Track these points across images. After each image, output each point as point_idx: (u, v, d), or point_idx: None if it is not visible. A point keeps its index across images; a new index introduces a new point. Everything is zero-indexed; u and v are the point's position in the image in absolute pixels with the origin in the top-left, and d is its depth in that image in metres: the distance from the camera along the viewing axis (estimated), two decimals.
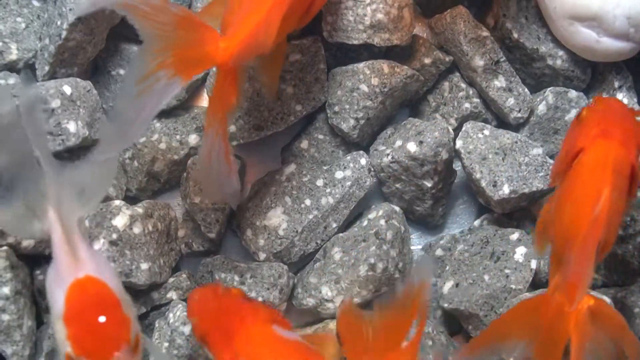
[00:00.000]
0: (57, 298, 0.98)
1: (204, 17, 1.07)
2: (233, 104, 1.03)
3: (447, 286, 1.19)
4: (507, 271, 1.16)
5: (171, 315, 1.12)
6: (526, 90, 1.25)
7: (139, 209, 1.18)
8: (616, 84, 1.21)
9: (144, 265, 1.15)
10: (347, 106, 1.23)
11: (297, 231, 1.22)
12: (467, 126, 1.22)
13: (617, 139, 0.99)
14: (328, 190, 1.23)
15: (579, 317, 0.96)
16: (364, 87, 1.22)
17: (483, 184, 1.19)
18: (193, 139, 1.25)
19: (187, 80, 1.00)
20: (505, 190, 1.18)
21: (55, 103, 1.16)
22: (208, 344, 1.01)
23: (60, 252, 1.00)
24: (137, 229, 1.16)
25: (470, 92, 1.27)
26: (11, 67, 1.22)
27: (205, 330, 1.01)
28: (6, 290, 1.12)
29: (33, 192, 1.04)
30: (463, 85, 1.27)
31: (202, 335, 1.02)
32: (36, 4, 1.27)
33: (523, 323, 1.01)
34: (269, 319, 1.00)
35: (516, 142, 1.21)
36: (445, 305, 1.19)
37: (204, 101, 1.31)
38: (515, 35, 1.24)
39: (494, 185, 1.18)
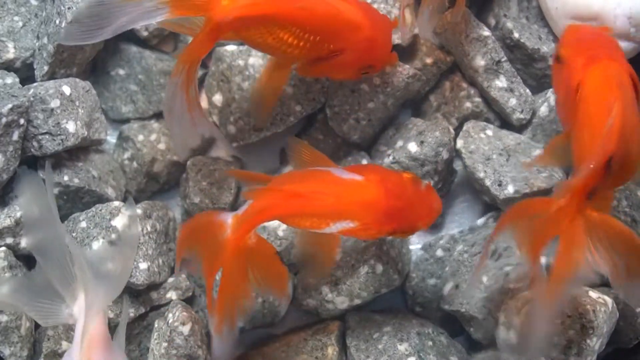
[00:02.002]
0: None
1: None
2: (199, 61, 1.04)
3: (447, 288, 1.19)
4: (507, 269, 1.16)
5: (170, 315, 1.12)
6: (527, 90, 1.25)
7: (137, 210, 1.18)
8: None
9: (143, 265, 1.15)
10: (348, 107, 1.22)
11: (296, 232, 1.21)
12: (468, 125, 1.22)
13: (605, 57, 1.00)
14: None
15: (575, 220, 0.96)
16: (365, 87, 1.21)
17: (487, 183, 1.18)
18: None
19: (172, 16, 1.00)
20: (510, 189, 1.17)
21: (55, 103, 1.16)
22: None
23: (78, 343, 1.00)
24: None
25: (472, 91, 1.27)
26: (8, 66, 1.22)
27: None
28: (4, 290, 1.11)
29: (62, 278, 1.04)
30: (464, 84, 1.27)
31: None
32: (34, 2, 1.26)
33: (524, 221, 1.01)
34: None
35: (519, 144, 1.21)
36: (446, 307, 1.19)
37: (203, 102, 1.30)
38: (516, 35, 1.24)
39: (499, 185, 1.18)
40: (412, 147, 1.19)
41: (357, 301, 1.19)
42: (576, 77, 1.01)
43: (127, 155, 1.25)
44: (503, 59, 1.24)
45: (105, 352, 1.00)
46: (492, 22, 1.27)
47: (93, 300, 1.01)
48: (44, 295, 1.04)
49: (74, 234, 1.14)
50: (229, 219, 1.01)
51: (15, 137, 1.13)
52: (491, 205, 1.23)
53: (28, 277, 1.09)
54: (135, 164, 1.24)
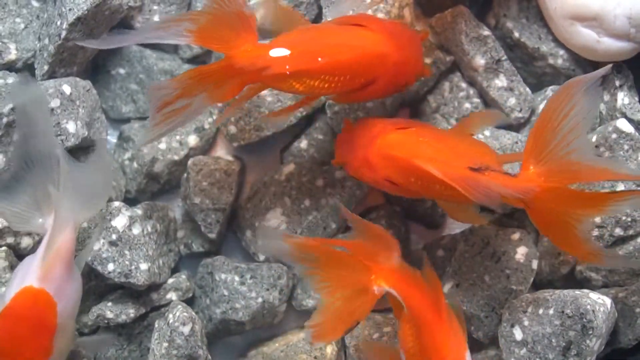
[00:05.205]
0: (11, 290, 0.99)
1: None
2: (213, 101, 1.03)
3: (448, 286, 1.19)
4: (507, 271, 1.16)
5: (171, 315, 1.12)
6: (527, 89, 1.25)
7: (138, 210, 1.18)
8: (617, 83, 1.20)
9: (143, 266, 1.15)
10: (347, 106, 1.22)
11: (296, 232, 1.21)
12: None
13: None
14: (328, 190, 1.23)
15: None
16: None
17: None
18: (192, 139, 1.25)
19: (196, 44, 0.99)
20: None
21: (55, 103, 1.16)
22: None
23: (39, 254, 1.01)
24: (136, 230, 1.16)
25: (471, 92, 1.27)
26: (10, 67, 1.22)
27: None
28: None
29: (43, 187, 1.04)
30: (463, 85, 1.27)
31: None
32: (35, 4, 1.26)
33: None
34: None
35: (516, 143, 1.20)
36: None
37: None
38: (516, 35, 1.23)
39: None
40: None
41: None
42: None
43: (127, 155, 1.25)
44: (503, 58, 1.23)
45: (67, 267, 1.02)
46: (492, 21, 1.27)
47: (65, 214, 1.02)
48: (22, 199, 1.05)
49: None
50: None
51: (15, 137, 1.13)
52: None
53: (13, 178, 1.08)
54: (135, 164, 1.24)
